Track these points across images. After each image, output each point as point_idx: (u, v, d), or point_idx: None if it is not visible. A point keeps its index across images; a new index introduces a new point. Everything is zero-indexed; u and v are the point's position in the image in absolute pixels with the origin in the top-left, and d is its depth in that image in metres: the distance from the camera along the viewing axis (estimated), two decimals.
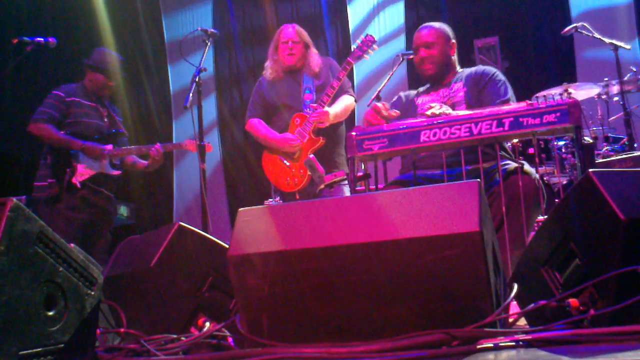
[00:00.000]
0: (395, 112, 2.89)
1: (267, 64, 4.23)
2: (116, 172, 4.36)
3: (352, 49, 4.06)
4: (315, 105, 3.92)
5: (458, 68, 3.26)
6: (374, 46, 4.01)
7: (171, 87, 7.88)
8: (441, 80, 3.20)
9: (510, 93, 3.03)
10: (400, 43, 7.03)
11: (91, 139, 4.26)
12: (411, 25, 6.90)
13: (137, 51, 7.73)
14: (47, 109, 4.26)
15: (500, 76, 3.10)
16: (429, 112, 2.68)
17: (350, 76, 4.08)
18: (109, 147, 4.29)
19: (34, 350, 1.45)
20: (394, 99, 3.34)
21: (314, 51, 4.19)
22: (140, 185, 7.68)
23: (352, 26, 7.39)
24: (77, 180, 4.15)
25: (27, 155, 5.91)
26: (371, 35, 4.03)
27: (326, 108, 3.90)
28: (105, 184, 4.33)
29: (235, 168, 7.62)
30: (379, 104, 2.90)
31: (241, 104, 7.65)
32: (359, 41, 4.04)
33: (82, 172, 4.20)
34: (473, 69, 3.22)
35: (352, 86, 4.29)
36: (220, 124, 7.71)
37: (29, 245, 1.48)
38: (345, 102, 4.07)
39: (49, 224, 1.56)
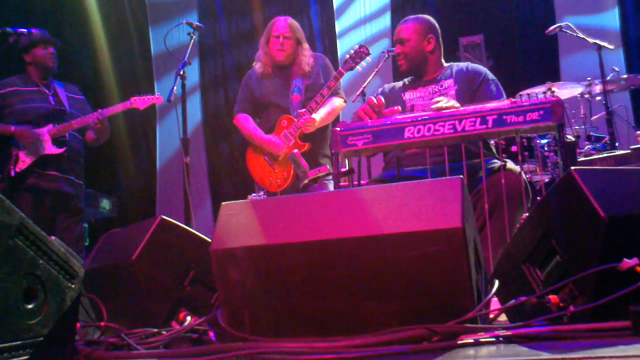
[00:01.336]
0: (396, 109, 2.81)
1: (258, 55, 4.14)
2: (61, 150, 4.22)
3: (345, 59, 3.96)
4: (302, 111, 3.86)
5: (444, 63, 3.21)
6: (368, 58, 3.94)
7: (152, 50, 7.85)
8: (424, 76, 3.16)
9: (504, 93, 3.02)
10: (385, 21, 7.01)
11: (32, 123, 4.17)
12: (396, 5, 6.89)
13: (118, 13, 7.64)
14: None
15: (491, 75, 3.08)
16: (435, 106, 2.65)
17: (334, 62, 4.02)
18: (49, 127, 4.20)
19: (13, 343, 1.43)
20: (378, 92, 3.30)
21: (305, 47, 4.08)
22: (122, 179, 7.63)
23: (336, 3, 7.37)
24: (19, 168, 4.07)
25: None
26: (365, 47, 3.95)
27: (313, 115, 3.86)
28: (53, 164, 4.21)
29: (219, 157, 7.61)
30: (374, 99, 2.82)
31: (223, 74, 7.68)
32: (352, 51, 3.94)
33: (24, 159, 4.12)
34: (462, 65, 3.17)
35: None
36: (202, 91, 7.74)
37: (9, 237, 1.46)
38: (333, 104, 4.00)
39: None
